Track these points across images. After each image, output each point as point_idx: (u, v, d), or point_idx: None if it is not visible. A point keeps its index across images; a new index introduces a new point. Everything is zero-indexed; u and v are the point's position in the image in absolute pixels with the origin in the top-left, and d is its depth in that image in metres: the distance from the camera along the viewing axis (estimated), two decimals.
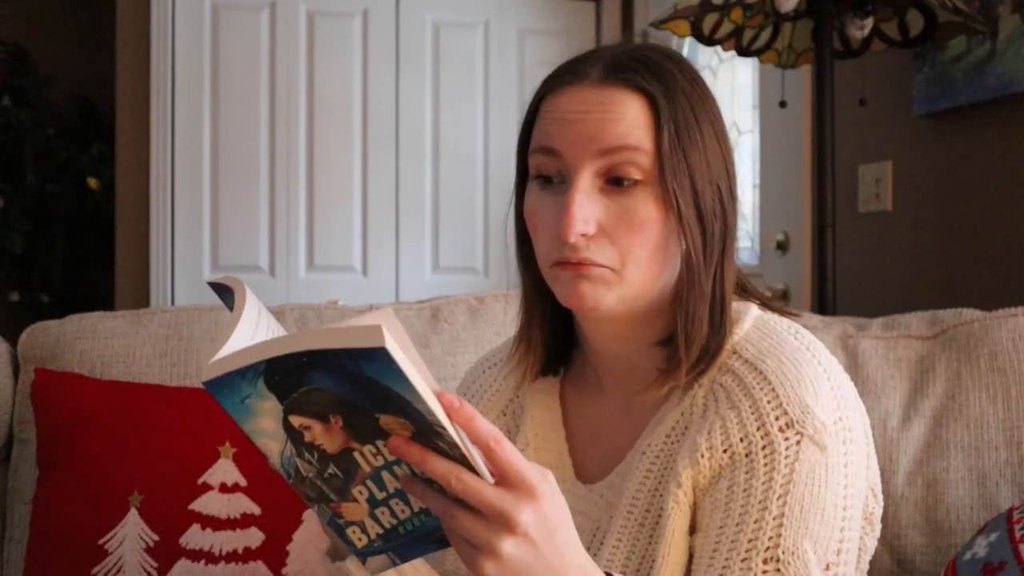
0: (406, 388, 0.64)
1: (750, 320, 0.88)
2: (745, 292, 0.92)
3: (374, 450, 0.70)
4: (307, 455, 0.71)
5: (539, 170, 0.87)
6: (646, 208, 0.83)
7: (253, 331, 0.72)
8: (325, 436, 0.69)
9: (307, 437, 0.70)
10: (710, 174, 0.85)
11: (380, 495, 0.72)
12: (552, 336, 0.97)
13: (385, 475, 0.72)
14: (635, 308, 0.86)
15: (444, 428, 0.66)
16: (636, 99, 0.84)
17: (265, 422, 0.69)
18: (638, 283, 0.85)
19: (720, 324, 0.86)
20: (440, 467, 0.68)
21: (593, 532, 0.88)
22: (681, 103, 0.84)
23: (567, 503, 0.92)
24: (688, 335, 0.85)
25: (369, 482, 0.72)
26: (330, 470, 0.71)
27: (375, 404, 0.67)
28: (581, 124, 0.84)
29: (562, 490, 0.92)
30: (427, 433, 0.67)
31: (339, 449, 0.70)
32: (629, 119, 0.83)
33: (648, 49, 0.88)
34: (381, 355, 0.62)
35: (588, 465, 0.93)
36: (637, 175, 0.83)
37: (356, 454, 0.70)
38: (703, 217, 0.84)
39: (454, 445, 0.67)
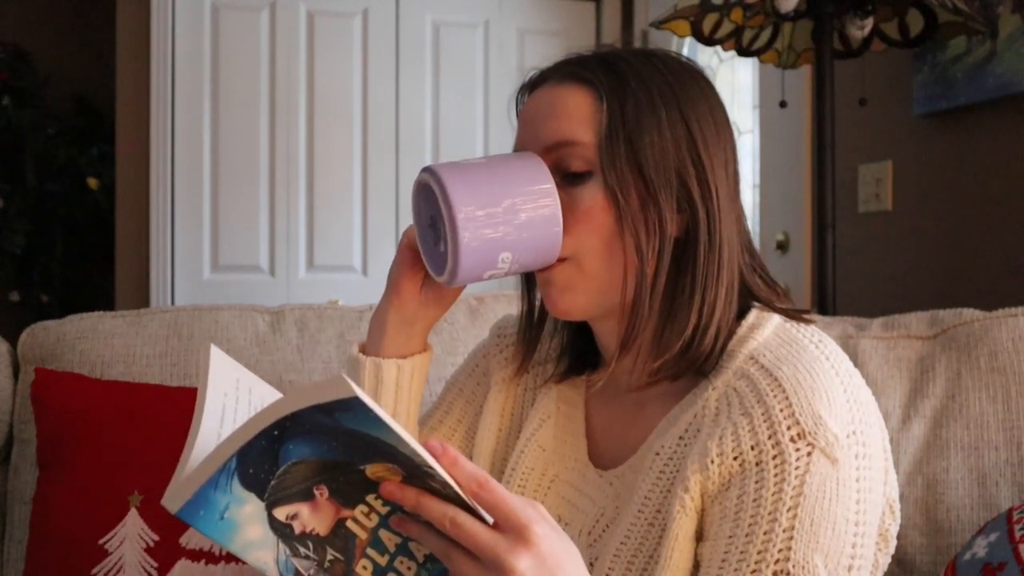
0: (388, 434, 0.63)
1: (771, 326, 0.85)
2: (758, 288, 0.88)
3: (366, 509, 0.69)
4: (302, 550, 0.68)
5: None
6: (592, 198, 0.83)
7: (219, 425, 0.69)
8: (314, 517, 0.68)
9: (297, 528, 0.68)
10: (666, 163, 0.83)
11: (383, 560, 0.71)
12: (572, 342, 0.98)
13: (383, 534, 0.70)
14: (617, 304, 0.86)
15: (433, 468, 0.65)
16: (581, 92, 0.85)
17: (251, 531, 0.66)
18: (601, 275, 0.85)
19: (700, 325, 0.84)
20: (435, 510, 0.67)
21: (597, 518, 0.88)
22: (633, 90, 0.83)
23: (577, 484, 0.92)
24: (631, 326, 0.84)
25: (370, 550, 0.70)
26: (329, 556, 0.69)
27: (359, 455, 0.65)
28: (533, 124, 0.87)
29: (574, 469, 0.93)
30: (418, 475, 0.66)
31: (331, 526, 0.69)
32: (570, 113, 0.84)
33: (618, 49, 0.88)
34: (355, 404, 0.61)
35: (602, 453, 0.93)
36: (582, 167, 0.84)
37: (350, 523, 0.69)
38: (658, 208, 0.83)
39: (446, 484, 0.66)
